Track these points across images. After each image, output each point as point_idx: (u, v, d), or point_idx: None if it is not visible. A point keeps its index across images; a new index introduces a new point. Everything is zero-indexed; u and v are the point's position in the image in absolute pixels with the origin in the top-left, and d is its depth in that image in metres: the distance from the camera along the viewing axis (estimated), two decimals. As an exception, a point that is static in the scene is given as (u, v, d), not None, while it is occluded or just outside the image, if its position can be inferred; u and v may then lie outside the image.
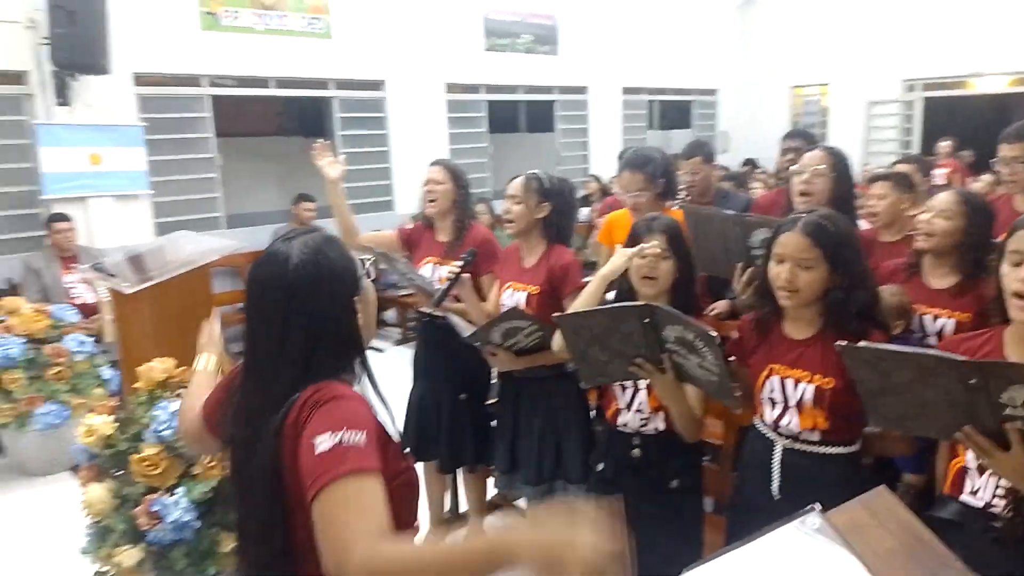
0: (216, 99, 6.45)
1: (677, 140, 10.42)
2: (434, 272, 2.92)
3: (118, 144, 5.83)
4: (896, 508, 1.27)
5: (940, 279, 2.27)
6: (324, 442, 1.07)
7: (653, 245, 2.02)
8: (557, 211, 2.57)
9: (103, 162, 5.77)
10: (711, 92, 11.28)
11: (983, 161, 8.95)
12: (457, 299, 2.73)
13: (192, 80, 6.32)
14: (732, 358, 1.92)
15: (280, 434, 1.13)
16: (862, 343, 1.46)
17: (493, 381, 3.29)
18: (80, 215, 5.54)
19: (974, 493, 1.56)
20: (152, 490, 2.19)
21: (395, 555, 1.02)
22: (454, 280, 2.55)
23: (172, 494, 2.17)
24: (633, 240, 2.10)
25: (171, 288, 3.25)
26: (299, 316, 1.18)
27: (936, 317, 2.25)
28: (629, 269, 2.09)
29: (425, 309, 2.92)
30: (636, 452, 2.10)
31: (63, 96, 5.44)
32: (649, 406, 2.07)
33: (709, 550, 2.16)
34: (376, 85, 7.38)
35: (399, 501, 1.21)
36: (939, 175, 8.64)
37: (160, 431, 2.21)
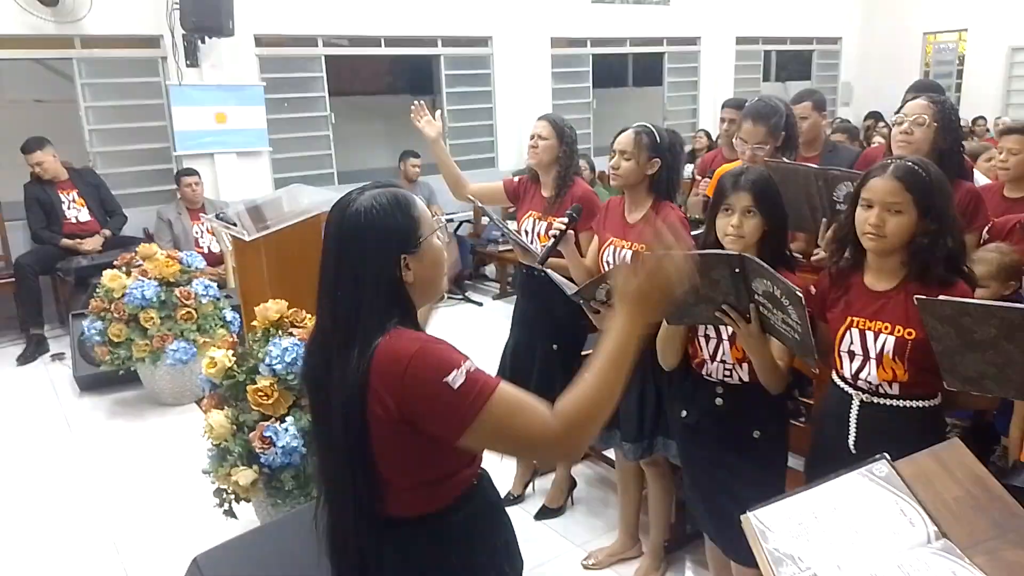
0: (329, 59, 6.71)
1: (794, 93, 9.91)
2: (535, 226, 2.99)
3: (241, 103, 6.22)
4: (967, 460, 1.25)
5: None
6: (457, 378, 1.16)
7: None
8: (666, 167, 2.51)
9: (228, 120, 6.17)
10: (834, 40, 10.63)
11: None
12: (558, 255, 2.78)
13: (308, 40, 6.60)
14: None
15: (366, 381, 1.18)
16: (943, 296, 1.42)
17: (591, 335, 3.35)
18: (207, 170, 5.96)
19: None
20: (265, 418, 2.42)
21: (573, 405, 1.21)
22: (559, 237, 2.54)
23: (282, 422, 2.39)
24: (719, 193, 2.07)
25: (286, 237, 3.49)
26: (347, 262, 1.24)
27: (1021, 272, 2.14)
28: (716, 224, 2.08)
29: (525, 262, 2.99)
30: (719, 401, 2.12)
31: (192, 58, 5.83)
32: (732, 356, 2.07)
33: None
34: (482, 42, 7.44)
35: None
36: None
37: (273, 365, 2.42)
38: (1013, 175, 2.89)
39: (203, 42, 5.80)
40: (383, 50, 7.02)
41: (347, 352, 1.21)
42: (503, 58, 7.51)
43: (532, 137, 2.98)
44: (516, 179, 3.23)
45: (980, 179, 3.33)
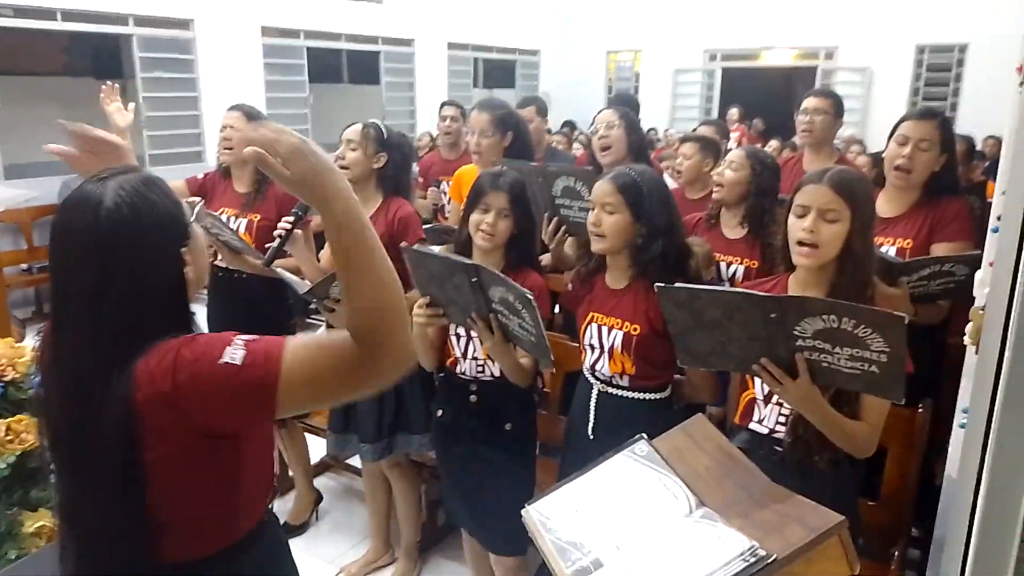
0: (-13, 30, 5.63)
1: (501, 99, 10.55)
2: (230, 223, 2.78)
3: None
4: (712, 433, 1.41)
5: (733, 230, 2.54)
6: (235, 353, 1.00)
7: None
8: (394, 164, 2.52)
9: None
10: (533, 53, 11.50)
11: (771, 129, 9.99)
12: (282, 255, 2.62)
13: (-45, 6, 5.47)
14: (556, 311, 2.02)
15: (132, 405, 1.01)
16: (678, 284, 1.59)
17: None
18: None
19: (760, 422, 1.76)
20: (-63, 468, 1.94)
21: (359, 304, 1.02)
22: (285, 237, 2.38)
23: (-37, 470, 1.94)
24: (477, 191, 2.09)
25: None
26: (116, 270, 1.03)
27: (729, 264, 2.53)
28: (469, 223, 2.10)
29: (232, 266, 2.77)
30: (473, 398, 2.15)
31: None
32: (484, 353, 2.12)
33: (541, 490, 2.29)
34: (183, 24, 6.78)
35: (261, 456, 1.19)
36: (730, 140, 9.52)
37: (-58, 404, 1.95)
38: (686, 178, 3.36)
39: None
40: (59, 25, 6.05)
41: (109, 378, 1.02)
42: (208, 44, 6.92)
43: (223, 129, 2.80)
44: (201, 175, 3.00)
45: (670, 184, 3.83)
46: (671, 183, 3.94)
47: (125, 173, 1.10)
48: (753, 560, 1.06)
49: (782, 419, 1.72)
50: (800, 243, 1.65)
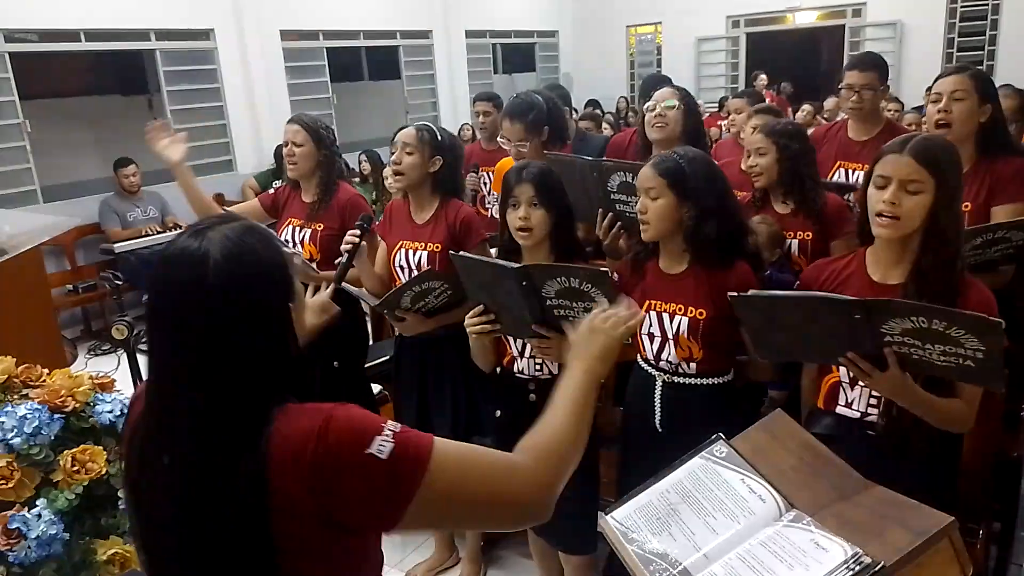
0: (16, 57, 5.68)
1: (522, 84, 10.47)
2: (296, 234, 2.77)
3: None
4: (794, 429, 1.35)
5: (781, 205, 2.45)
6: (383, 444, 0.93)
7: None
8: (448, 166, 2.48)
9: None
10: (552, 34, 11.33)
11: (800, 92, 9.73)
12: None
13: (-17, 35, 5.53)
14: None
15: (265, 483, 0.93)
16: (752, 292, 1.53)
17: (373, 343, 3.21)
18: None
19: (849, 405, 1.69)
20: (7, 505, 1.96)
21: (540, 439, 1.08)
22: (353, 251, 2.35)
23: (32, 507, 1.96)
24: (505, 188, 2.06)
25: (-4, 276, 2.87)
26: (227, 329, 0.96)
27: (784, 239, 2.44)
28: (508, 222, 2.07)
29: (301, 281, 2.77)
30: (532, 397, 2.12)
31: None
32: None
33: (604, 485, 2.25)
34: (204, 35, 6.79)
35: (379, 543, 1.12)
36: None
37: (9, 439, 1.97)
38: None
39: None
40: (84, 45, 6.10)
41: (233, 448, 0.94)
42: (229, 52, 6.92)
43: (286, 144, 2.75)
44: (273, 190, 2.99)
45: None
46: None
47: (226, 223, 1.01)
48: (858, 568, 1.00)
49: (873, 401, 1.64)
50: (879, 215, 1.56)
